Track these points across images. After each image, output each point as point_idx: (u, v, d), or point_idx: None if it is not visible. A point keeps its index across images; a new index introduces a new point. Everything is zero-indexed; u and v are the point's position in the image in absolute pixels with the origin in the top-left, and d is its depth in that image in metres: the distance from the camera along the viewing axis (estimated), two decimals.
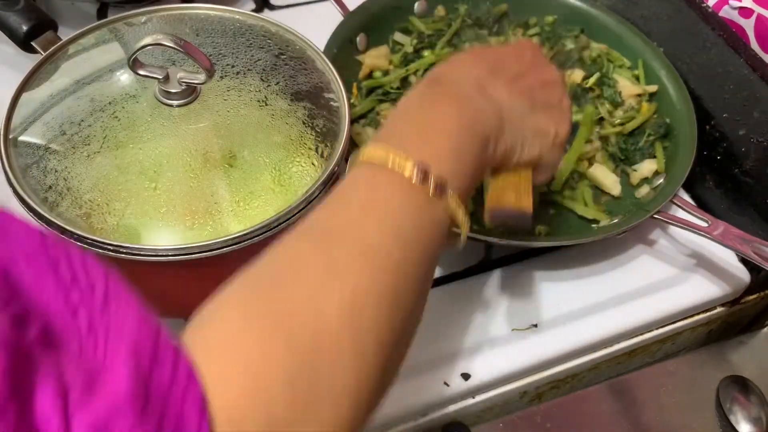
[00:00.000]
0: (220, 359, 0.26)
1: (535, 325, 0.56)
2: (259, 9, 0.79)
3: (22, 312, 0.21)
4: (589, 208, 0.61)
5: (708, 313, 0.61)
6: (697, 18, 0.64)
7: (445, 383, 0.53)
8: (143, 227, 0.43)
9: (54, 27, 0.56)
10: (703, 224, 0.57)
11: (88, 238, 0.42)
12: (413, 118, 0.40)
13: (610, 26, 0.71)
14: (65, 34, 0.53)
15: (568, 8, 0.73)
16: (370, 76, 0.68)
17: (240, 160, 0.46)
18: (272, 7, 0.80)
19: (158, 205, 0.44)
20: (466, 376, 0.53)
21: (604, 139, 0.65)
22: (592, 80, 0.68)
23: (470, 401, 0.54)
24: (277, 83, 0.50)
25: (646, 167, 0.64)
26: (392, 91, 0.66)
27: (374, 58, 0.68)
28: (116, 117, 0.47)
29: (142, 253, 0.42)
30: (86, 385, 0.21)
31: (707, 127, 0.65)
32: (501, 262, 0.60)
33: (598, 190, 0.63)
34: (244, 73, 0.50)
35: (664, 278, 0.60)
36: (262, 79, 0.50)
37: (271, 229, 0.43)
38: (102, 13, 0.74)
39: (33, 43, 0.54)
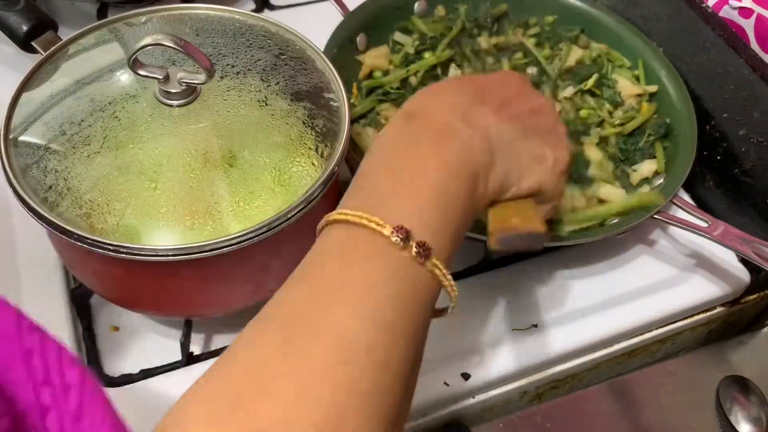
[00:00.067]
0: None
1: (535, 325, 0.56)
2: (259, 9, 0.79)
3: None
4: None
5: (708, 313, 0.62)
6: (697, 18, 0.64)
7: (445, 383, 0.53)
8: (143, 227, 0.43)
9: (54, 27, 0.56)
10: (703, 224, 0.57)
11: (88, 238, 0.42)
12: (388, 167, 0.36)
13: (610, 26, 0.71)
14: (65, 34, 0.53)
15: (568, 8, 0.73)
16: (370, 76, 0.68)
17: (240, 160, 0.46)
18: (272, 7, 0.80)
19: (158, 205, 0.44)
20: (466, 376, 0.53)
21: (604, 139, 0.65)
22: (591, 81, 0.68)
23: (470, 401, 0.54)
24: (277, 83, 0.50)
25: (646, 167, 0.64)
26: (392, 91, 0.66)
27: (374, 58, 0.68)
28: (116, 117, 0.47)
29: (142, 253, 0.42)
30: None
31: (707, 127, 0.65)
32: (501, 262, 0.60)
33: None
34: (244, 73, 0.50)
35: (664, 278, 0.60)
36: (262, 79, 0.50)
37: (271, 229, 0.43)
38: (102, 13, 0.74)
39: (33, 43, 0.54)
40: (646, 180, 0.63)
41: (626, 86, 0.68)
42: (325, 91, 0.51)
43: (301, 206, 0.44)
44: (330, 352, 0.28)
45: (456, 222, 0.35)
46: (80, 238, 0.42)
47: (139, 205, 0.44)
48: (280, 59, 0.52)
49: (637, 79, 0.69)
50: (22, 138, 0.46)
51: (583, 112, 0.67)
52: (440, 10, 0.73)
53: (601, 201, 0.61)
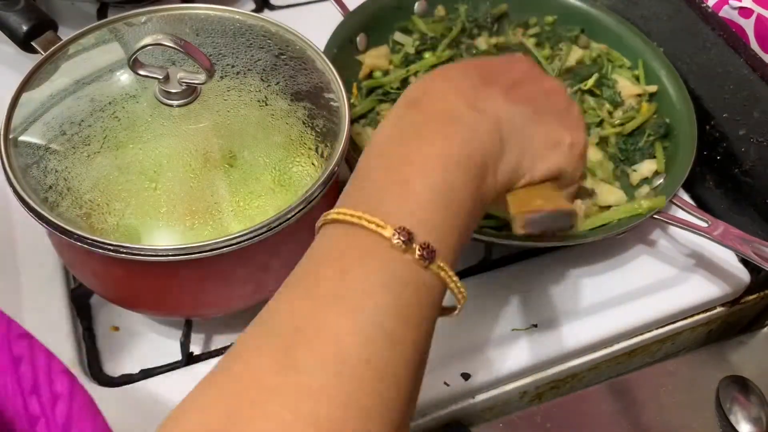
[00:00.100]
0: None
1: (535, 325, 0.56)
2: (259, 9, 0.79)
3: None
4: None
5: (708, 313, 0.61)
6: (697, 18, 0.64)
7: (445, 383, 0.53)
8: (143, 227, 0.43)
9: (54, 27, 0.56)
10: (703, 224, 0.57)
11: (88, 238, 0.42)
12: (388, 161, 0.33)
13: (610, 26, 0.71)
14: (65, 34, 0.53)
15: (568, 8, 0.73)
16: (370, 76, 0.68)
17: (240, 160, 0.46)
18: (272, 7, 0.80)
19: (158, 205, 0.44)
20: (466, 376, 0.53)
21: (603, 139, 0.65)
22: (591, 81, 0.68)
23: (470, 401, 0.54)
24: (277, 83, 0.50)
25: (646, 167, 0.64)
26: (392, 91, 0.66)
27: (374, 58, 0.68)
28: (116, 117, 0.47)
29: (142, 253, 0.42)
30: None
31: (707, 127, 0.65)
32: (501, 262, 0.60)
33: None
34: (244, 73, 0.50)
35: (664, 278, 0.60)
36: (262, 79, 0.50)
37: (271, 229, 0.43)
38: (102, 13, 0.74)
39: (33, 43, 0.54)
40: (646, 180, 0.63)
41: (626, 86, 0.68)
42: (325, 91, 0.51)
43: (301, 206, 0.44)
44: (326, 365, 0.26)
45: (462, 218, 0.32)
46: (80, 238, 0.42)
47: (139, 205, 0.44)
48: (280, 59, 0.52)
49: (637, 79, 0.69)
50: (22, 138, 0.46)
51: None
52: (440, 10, 0.73)
53: (602, 207, 0.61)
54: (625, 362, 0.61)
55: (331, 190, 0.47)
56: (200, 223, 0.44)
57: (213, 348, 0.54)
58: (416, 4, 0.72)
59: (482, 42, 0.71)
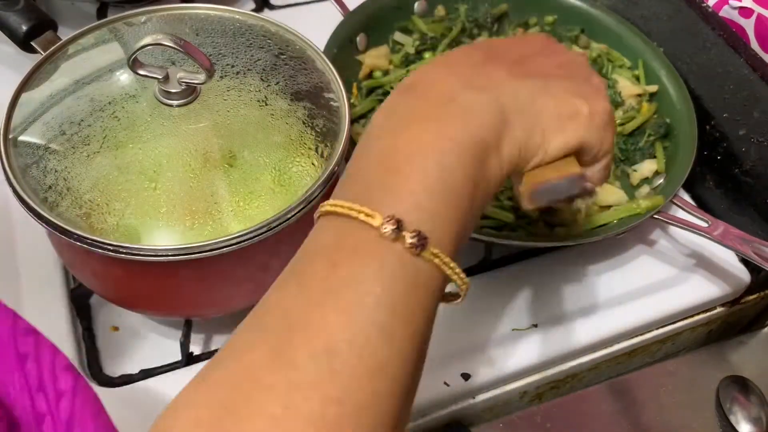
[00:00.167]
0: None
1: (535, 325, 0.56)
2: (259, 9, 0.79)
3: None
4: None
5: (708, 313, 0.61)
6: (697, 18, 0.64)
7: (445, 383, 0.53)
8: (143, 227, 0.43)
9: (54, 27, 0.56)
10: (703, 224, 0.57)
11: (88, 238, 0.42)
12: (381, 149, 0.32)
13: (610, 26, 0.71)
14: (65, 34, 0.53)
15: (568, 8, 0.73)
16: (370, 76, 0.68)
17: (240, 160, 0.46)
18: (272, 7, 0.80)
19: (158, 205, 0.44)
20: (466, 376, 0.53)
21: None
22: None
23: (470, 401, 0.54)
24: (277, 83, 0.50)
25: (646, 167, 0.64)
26: (392, 91, 0.66)
27: (374, 58, 0.68)
28: (116, 117, 0.47)
29: (142, 253, 0.42)
30: None
31: (707, 127, 0.65)
32: (501, 262, 0.60)
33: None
34: (244, 73, 0.50)
35: (664, 278, 0.60)
36: (262, 79, 0.50)
37: (271, 229, 0.43)
38: (102, 13, 0.74)
39: (33, 43, 0.54)
40: (646, 180, 0.63)
41: (626, 86, 0.68)
42: (325, 91, 0.51)
43: (301, 206, 0.44)
44: (319, 361, 0.26)
45: (461, 204, 0.31)
46: (80, 238, 0.42)
47: (139, 205, 0.44)
48: (280, 59, 0.52)
49: (637, 79, 0.69)
50: (21, 138, 0.46)
51: None
52: (440, 10, 0.73)
53: (602, 207, 0.61)
54: (625, 362, 0.61)
55: (331, 190, 0.47)
56: (200, 223, 0.44)
57: (213, 348, 0.54)
58: (416, 4, 0.72)
59: None
